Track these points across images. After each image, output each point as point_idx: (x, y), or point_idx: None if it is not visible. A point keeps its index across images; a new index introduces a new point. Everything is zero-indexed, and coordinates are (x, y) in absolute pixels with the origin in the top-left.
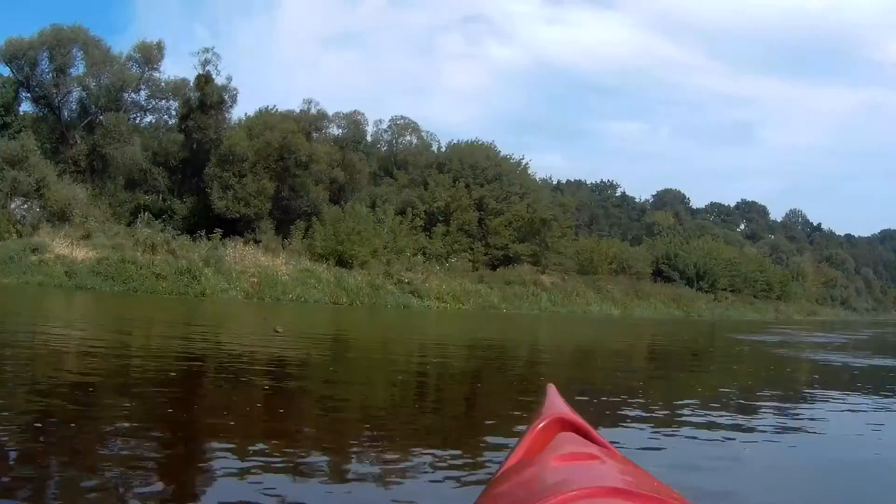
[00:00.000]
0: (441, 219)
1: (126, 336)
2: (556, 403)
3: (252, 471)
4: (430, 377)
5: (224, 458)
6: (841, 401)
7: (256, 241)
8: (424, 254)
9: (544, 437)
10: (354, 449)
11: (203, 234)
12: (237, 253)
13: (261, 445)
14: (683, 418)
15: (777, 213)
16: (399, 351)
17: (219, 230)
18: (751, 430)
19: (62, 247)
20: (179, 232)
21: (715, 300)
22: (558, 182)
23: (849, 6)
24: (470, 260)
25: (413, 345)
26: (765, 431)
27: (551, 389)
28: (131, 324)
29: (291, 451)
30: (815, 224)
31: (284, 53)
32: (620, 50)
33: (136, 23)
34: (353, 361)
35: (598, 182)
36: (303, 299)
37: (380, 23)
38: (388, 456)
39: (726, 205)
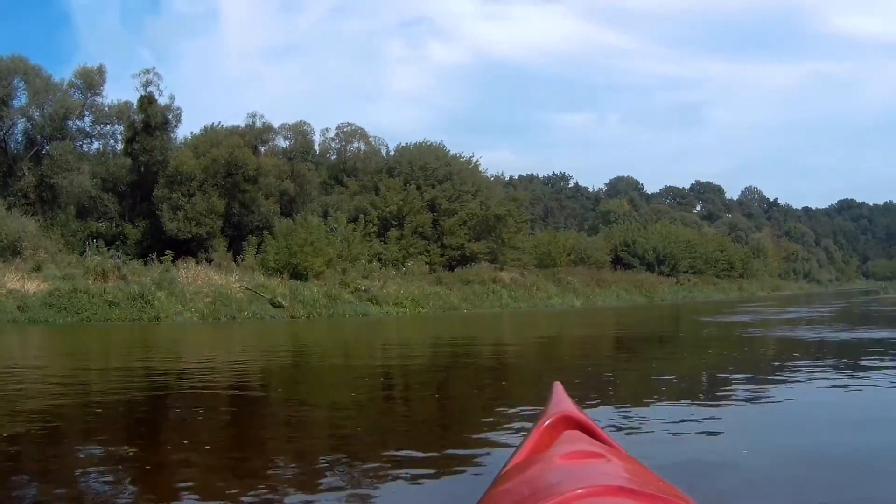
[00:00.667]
0: (394, 223)
1: (80, 368)
2: (562, 401)
3: (221, 487)
4: (396, 383)
5: (193, 481)
6: (824, 376)
7: (209, 261)
8: (380, 260)
9: (550, 434)
10: (324, 461)
11: (154, 256)
12: (189, 273)
13: (227, 463)
14: (658, 407)
15: (733, 192)
16: (362, 360)
17: (170, 252)
18: (731, 411)
19: (13, 281)
20: (131, 257)
21: (677, 283)
22: (510, 178)
23: None
24: (426, 262)
25: (376, 352)
26: (749, 413)
27: (557, 387)
28: (81, 356)
29: (260, 464)
30: (771, 200)
31: (229, 70)
32: (563, 41)
33: (80, 51)
34: (315, 374)
35: (551, 175)
36: (259, 316)
37: (321, 33)
38: (359, 464)
39: (681, 187)
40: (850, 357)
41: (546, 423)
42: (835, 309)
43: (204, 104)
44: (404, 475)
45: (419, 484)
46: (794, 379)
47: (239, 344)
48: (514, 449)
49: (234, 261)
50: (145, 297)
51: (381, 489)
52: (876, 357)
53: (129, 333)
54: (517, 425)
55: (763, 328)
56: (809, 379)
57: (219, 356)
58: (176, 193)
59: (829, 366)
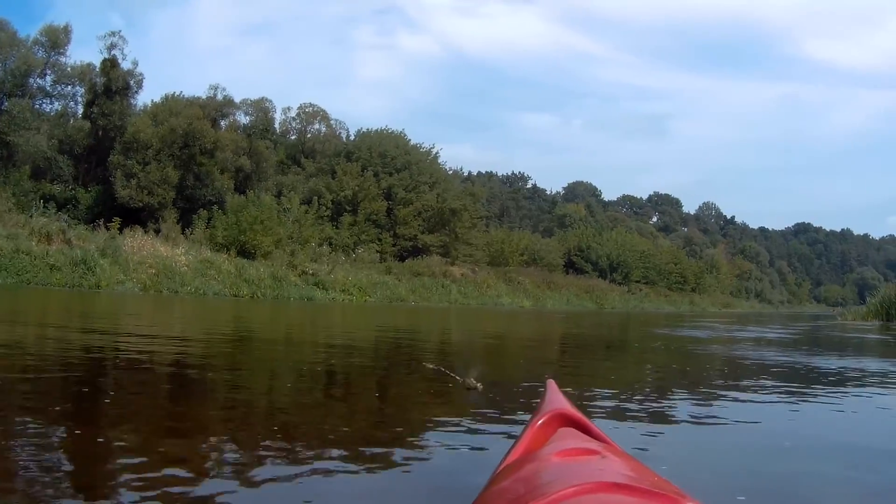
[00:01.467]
0: (348, 208)
1: (16, 330)
2: (555, 399)
3: (158, 474)
4: (338, 373)
5: (130, 462)
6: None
7: (157, 231)
8: (330, 244)
9: (544, 432)
10: (263, 448)
11: (101, 223)
12: (135, 243)
13: (166, 450)
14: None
15: (690, 206)
16: (305, 346)
17: (117, 218)
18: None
19: None
20: (78, 221)
21: (629, 292)
22: (469, 173)
23: (765, 3)
24: (378, 251)
25: (319, 339)
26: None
27: (551, 385)
28: (17, 319)
29: (198, 452)
30: (728, 217)
31: (199, 44)
32: (534, 42)
33: (52, 11)
34: (257, 357)
35: (510, 174)
36: (202, 292)
37: (294, 14)
38: (300, 454)
39: (638, 197)
40: (836, 385)
41: (540, 420)
42: (798, 331)
43: (171, 75)
44: (335, 472)
45: (356, 466)
46: (770, 402)
47: (180, 319)
48: (508, 447)
49: (183, 233)
50: (87, 263)
51: (319, 468)
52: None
53: (66, 299)
54: (453, 418)
55: (724, 346)
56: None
57: (160, 330)
58: (131, 161)
59: (813, 393)
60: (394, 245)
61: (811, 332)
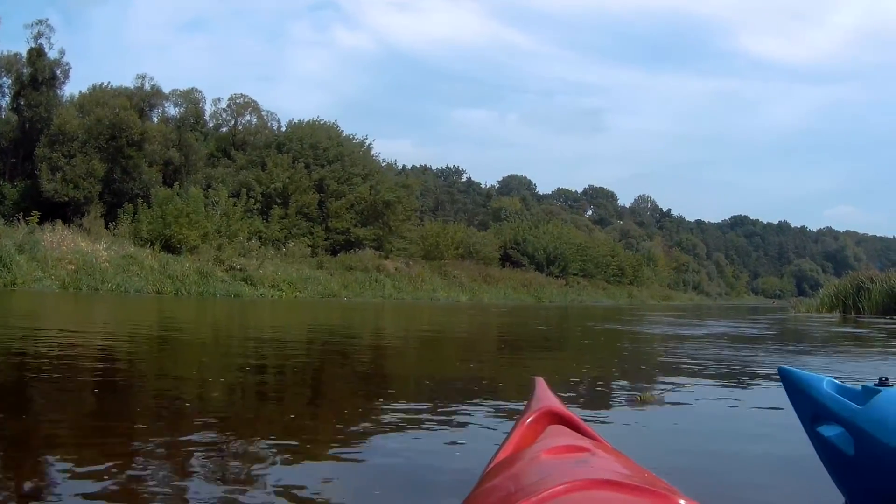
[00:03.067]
0: (279, 201)
1: None
2: (544, 396)
3: (90, 478)
4: (270, 373)
5: (61, 467)
6: None
7: (80, 226)
8: (260, 238)
9: (534, 430)
10: (198, 452)
11: (21, 217)
12: (55, 238)
13: (97, 453)
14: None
15: (626, 199)
16: (234, 345)
17: (36, 212)
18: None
19: None
20: (2, 217)
21: (566, 285)
22: (403, 167)
23: None
24: (309, 245)
25: (248, 338)
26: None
27: (539, 382)
28: None
29: (130, 455)
30: (664, 210)
31: (136, 40)
32: (470, 38)
33: None
34: (183, 360)
35: (444, 167)
36: (123, 289)
37: (230, 9)
38: (233, 457)
39: (573, 190)
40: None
41: (529, 418)
42: (763, 325)
43: (108, 71)
44: (269, 472)
45: (292, 468)
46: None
47: (100, 320)
48: (497, 446)
49: (107, 227)
50: (3, 259)
51: (254, 474)
52: None
53: None
54: (390, 415)
55: (703, 346)
56: None
57: (80, 332)
58: (56, 153)
59: None
60: (326, 239)
61: (779, 327)
